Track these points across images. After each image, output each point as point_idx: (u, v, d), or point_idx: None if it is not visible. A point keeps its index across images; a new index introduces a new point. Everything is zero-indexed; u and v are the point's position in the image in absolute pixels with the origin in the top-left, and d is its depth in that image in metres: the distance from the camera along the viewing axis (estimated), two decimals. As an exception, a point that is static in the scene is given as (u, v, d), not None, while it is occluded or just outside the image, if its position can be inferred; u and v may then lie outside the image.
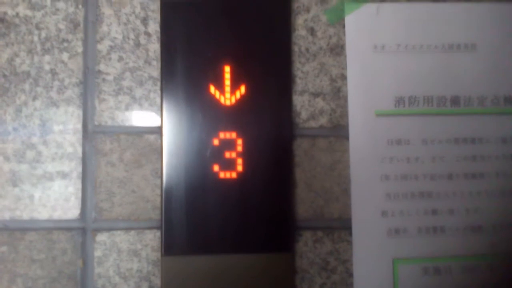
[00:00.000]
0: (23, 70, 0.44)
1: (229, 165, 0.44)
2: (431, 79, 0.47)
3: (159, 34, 0.45)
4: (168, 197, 0.43)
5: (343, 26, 0.47)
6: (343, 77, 0.47)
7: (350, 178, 0.46)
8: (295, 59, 0.46)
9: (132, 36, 0.45)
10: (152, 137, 0.45)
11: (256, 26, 0.45)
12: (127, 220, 0.44)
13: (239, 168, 0.44)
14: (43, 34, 0.45)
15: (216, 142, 0.44)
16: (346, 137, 0.46)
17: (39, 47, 0.45)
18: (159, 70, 0.45)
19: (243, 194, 0.44)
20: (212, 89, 0.44)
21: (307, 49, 0.47)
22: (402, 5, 0.47)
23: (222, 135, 0.44)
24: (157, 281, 0.44)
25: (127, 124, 0.45)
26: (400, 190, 0.46)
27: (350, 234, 0.45)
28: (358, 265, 0.45)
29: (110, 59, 0.45)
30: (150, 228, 0.44)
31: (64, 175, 0.44)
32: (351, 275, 0.45)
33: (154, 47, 0.45)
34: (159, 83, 0.45)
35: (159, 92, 0.45)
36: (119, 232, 0.44)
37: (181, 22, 0.45)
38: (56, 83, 0.45)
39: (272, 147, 0.45)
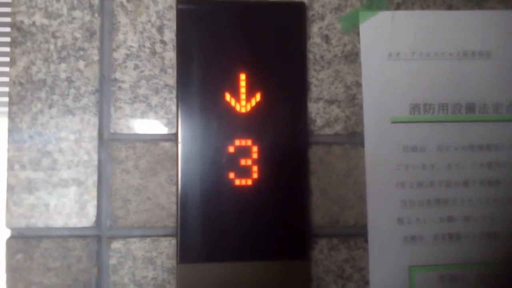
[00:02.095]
0: (39, 78, 0.44)
1: (244, 172, 0.44)
2: (446, 86, 0.47)
3: (174, 43, 0.45)
4: (183, 204, 0.43)
5: (358, 34, 0.47)
6: (358, 85, 0.47)
7: (365, 185, 0.46)
8: (310, 66, 0.46)
9: (148, 44, 0.46)
10: (167, 145, 0.45)
11: (271, 34, 0.45)
12: (143, 227, 0.44)
13: (255, 175, 0.44)
14: (60, 43, 0.45)
15: (231, 149, 0.44)
16: (362, 144, 0.46)
17: (55, 56, 0.45)
18: (174, 78, 0.45)
19: (259, 201, 0.44)
20: (227, 96, 0.44)
21: (322, 57, 0.47)
22: (417, 12, 0.47)
23: (237, 142, 0.44)
24: (172, 289, 0.44)
25: (142, 131, 0.45)
26: (416, 197, 0.45)
27: (366, 241, 0.45)
28: (374, 273, 0.45)
29: (126, 67, 0.45)
30: (165, 235, 0.44)
31: (79, 183, 0.44)
32: (367, 282, 0.45)
33: (170, 55, 0.46)
34: (174, 91, 0.45)
35: (174, 100, 0.45)
36: (134, 239, 0.44)
37: (196, 31, 0.45)
38: (72, 91, 0.45)
39: (287, 155, 0.45)
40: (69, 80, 0.45)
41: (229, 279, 0.43)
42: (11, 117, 0.44)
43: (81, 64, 0.45)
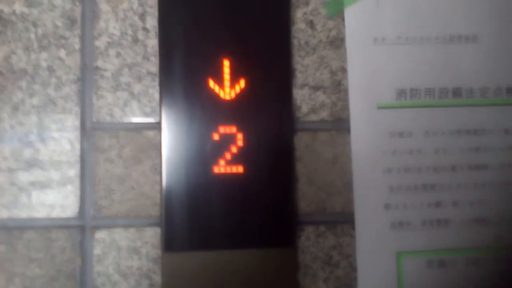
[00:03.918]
0: (20, 68, 0.44)
1: (229, 159, 0.43)
2: (433, 71, 0.46)
3: (157, 30, 0.45)
4: (168, 193, 0.43)
5: (343, 19, 0.46)
6: (344, 70, 0.46)
7: (352, 172, 0.45)
8: (295, 52, 0.46)
9: (130, 32, 0.45)
10: (151, 133, 0.44)
11: (255, 19, 0.45)
12: (127, 217, 0.44)
13: (240, 162, 0.43)
14: (40, 31, 0.44)
15: (216, 136, 0.43)
16: (348, 130, 0.45)
17: (36, 44, 0.44)
18: (157, 66, 0.45)
19: (244, 188, 0.43)
20: (211, 83, 0.44)
21: (306, 43, 0.46)
22: (402, -4, 0.47)
23: (222, 129, 0.44)
24: (157, 278, 0.43)
25: (125, 120, 0.44)
26: (403, 183, 0.45)
27: (353, 228, 0.45)
28: (362, 259, 0.44)
29: (108, 55, 0.45)
30: (150, 225, 0.44)
31: (62, 173, 0.43)
32: (354, 269, 0.44)
33: (152, 42, 0.45)
34: (157, 79, 0.45)
35: (157, 87, 0.45)
36: (118, 229, 0.43)
37: (179, 17, 0.44)
38: (54, 80, 0.44)
39: (272, 141, 0.44)
40: (50, 69, 0.44)
41: (215, 268, 0.43)
42: (-8, 107, 0.43)
43: (62, 52, 0.44)
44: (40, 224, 0.43)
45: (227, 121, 0.44)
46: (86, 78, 0.44)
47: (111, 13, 0.45)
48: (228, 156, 0.43)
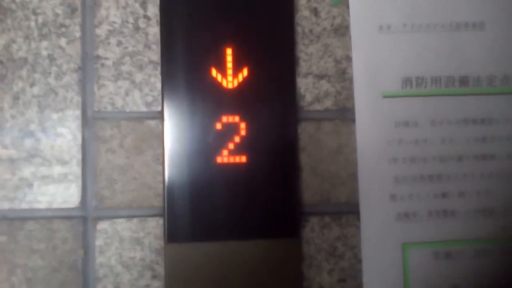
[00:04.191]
0: (20, 56, 0.43)
1: (232, 149, 0.43)
2: (439, 59, 0.46)
3: (158, 18, 0.44)
4: (170, 183, 0.42)
5: (347, 6, 0.46)
6: (348, 59, 0.45)
7: (357, 162, 0.44)
8: (299, 40, 0.45)
9: (131, 20, 0.44)
10: (153, 123, 0.44)
11: (258, 7, 0.44)
12: (129, 207, 0.43)
13: (243, 152, 0.43)
14: (40, 20, 0.44)
15: (218, 126, 0.43)
16: (353, 120, 0.45)
17: (36, 33, 0.44)
18: (159, 54, 0.44)
19: (247, 178, 0.43)
20: (213, 72, 0.43)
21: (310, 30, 0.45)
22: (408, -17, 0.46)
23: (224, 119, 0.43)
24: (160, 269, 0.43)
25: (127, 109, 0.44)
26: (409, 173, 0.44)
27: (358, 219, 0.44)
28: (367, 251, 0.44)
29: (109, 43, 0.44)
30: (152, 215, 0.43)
31: (63, 163, 0.43)
32: (359, 260, 0.44)
33: (154, 30, 0.44)
34: (159, 67, 0.44)
35: (159, 76, 0.44)
36: (120, 220, 0.43)
37: (181, 5, 0.44)
38: (54, 69, 0.43)
39: (276, 131, 0.43)
40: (51, 58, 0.43)
41: (219, 259, 0.42)
42: (-8, 96, 0.43)
43: (62, 41, 0.44)
44: (42, 215, 0.43)
45: (230, 111, 0.43)
46: (87, 67, 0.44)
47: (112, 1, 0.44)
48: (231, 146, 0.43)
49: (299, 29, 0.45)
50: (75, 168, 0.43)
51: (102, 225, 0.43)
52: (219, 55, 0.43)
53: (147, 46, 0.44)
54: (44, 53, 0.43)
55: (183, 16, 0.43)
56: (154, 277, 0.43)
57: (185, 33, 0.43)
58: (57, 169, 0.43)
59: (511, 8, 0.46)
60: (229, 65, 0.43)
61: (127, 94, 0.44)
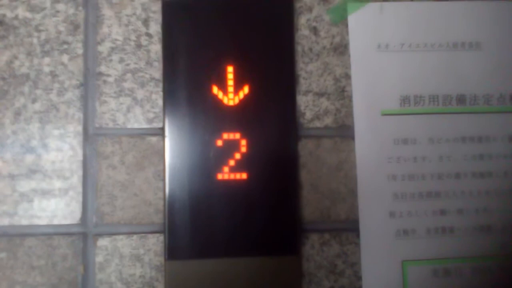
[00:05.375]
0: (22, 73, 0.44)
1: (233, 166, 0.43)
2: (436, 78, 0.46)
3: (160, 35, 0.45)
4: (171, 200, 0.42)
5: (346, 26, 0.46)
6: (347, 77, 0.46)
7: (356, 179, 0.45)
8: (299, 59, 0.46)
9: (133, 37, 0.45)
10: (154, 139, 0.44)
11: (259, 26, 0.45)
12: (129, 224, 0.43)
13: (243, 169, 0.43)
14: (43, 36, 0.44)
15: (219, 143, 0.43)
16: (352, 137, 0.45)
17: (38, 49, 0.44)
18: (160, 71, 0.44)
19: (248, 195, 0.43)
20: (215, 89, 0.44)
21: (310, 49, 0.46)
22: (406, 3, 0.47)
23: (225, 136, 0.43)
24: (160, 286, 0.43)
25: (128, 126, 0.44)
26: (408, 190, 0.45)
27: (358, 236, 0.44)
28: (367, 268, 0.44)
29: (111, 60, 0.44)
30: (153, 232, 0.43)
31: (64, 179, 0.43)
32: (359, 278, 0.44)
33: (156, 48, 0.45)
34: (161, 84, 0.44)
35: (161, 93, 0.44)
36: (121, 236, 0.43)
37: (182, 23, 0.44)
38: (56, 85, 0.44)
39: (276, 148, 0.44)
40: (53, 74, 0.44)
41: (219, 276, 0.42)
42: (-7, 112, 0.43)
43: (65, 57, 0.44)
44: (42, 231, 0.42)
45: (231, 128, 0.43)
46: (89, 84, 0.44)
47: (114, 18, 0.45)
48: (231, 162, 0.43)
49: (299, 48, 0.46)
50: (76, 184, 0.43)
51: (102, 242, 0.43)
52: (220, 72, 0.44)
53: (149, 63, 0.45)
54: (46, 69, 0.44)
55: (184, 34, 0.44)
56: (154, 294, 0.43)
57: (186, 51, 0.44)
58: (58, 185, 0.43)
59: (507, 28, 0.47)
60: (230, 82, 0.44)
61: (128, 110, 0.44)
